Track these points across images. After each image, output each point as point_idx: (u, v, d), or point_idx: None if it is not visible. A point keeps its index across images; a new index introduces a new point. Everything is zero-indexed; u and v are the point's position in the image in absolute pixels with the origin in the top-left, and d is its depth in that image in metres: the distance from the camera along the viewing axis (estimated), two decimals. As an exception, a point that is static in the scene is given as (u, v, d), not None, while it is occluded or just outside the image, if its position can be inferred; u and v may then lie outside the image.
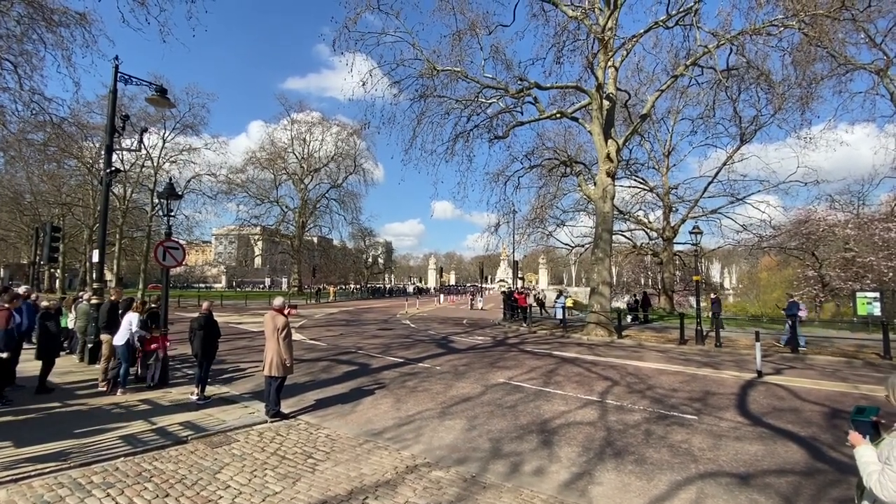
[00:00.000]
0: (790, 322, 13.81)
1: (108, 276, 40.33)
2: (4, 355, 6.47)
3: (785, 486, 4.59)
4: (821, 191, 28.26)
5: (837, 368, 11.27)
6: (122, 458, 4.88)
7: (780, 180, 28.04)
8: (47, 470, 4.51)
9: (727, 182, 29.35)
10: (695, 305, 19.65)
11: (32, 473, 4.42)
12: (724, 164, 28.45)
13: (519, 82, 18.11)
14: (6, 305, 6.83)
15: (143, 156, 36.73)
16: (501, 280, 79.62)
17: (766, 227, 29.13)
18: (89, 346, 9.93)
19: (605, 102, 17.58)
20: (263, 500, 4.03)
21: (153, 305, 9.01)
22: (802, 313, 14.61)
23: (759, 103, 20.00)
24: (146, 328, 8.20)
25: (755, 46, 16.06)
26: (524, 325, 20.56)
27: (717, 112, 22.64)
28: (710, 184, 29.75)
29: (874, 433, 2.11)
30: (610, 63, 17.58)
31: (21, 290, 7.81)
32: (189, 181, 40.18)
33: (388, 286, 78.00)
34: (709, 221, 30.98)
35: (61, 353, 9.90)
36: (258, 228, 57.70)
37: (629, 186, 33.27)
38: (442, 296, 48.97)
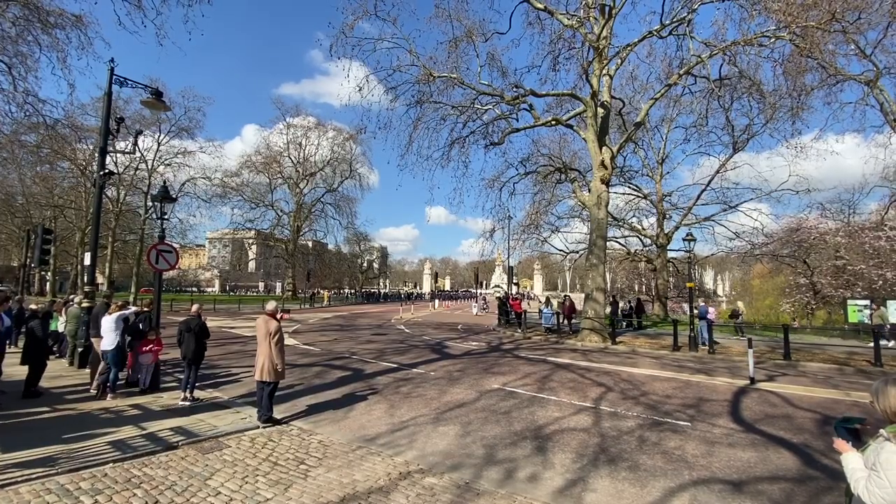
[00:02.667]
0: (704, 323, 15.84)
1: (100, 279, 39.95)
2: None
3: (777, 493, 4.60)
4: (812, 199, 28.73)
5: (829, 375, 11.35)
6: (111, 464, 4.80)
7: (771, 188, 28.44)
8: (34, 476, 4.43)
9: (720, 190, 29.76)
10: (688, 312, 19.78)
11: (19, 479, 4.35)
12: (717, 172, 28.79)
13: (514, 89, 18.27)
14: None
15: (138, 158, 36.55)
16: (497, 286, 79.55)
17: (758, 234, 29.46)
18: (79, 349, 9.81)
19: (600, 110, 17.73)
20: (255, 507, 3.98)
21: (146, 309, 8.92)
22: (711, 316, 16.21)
23: (751, 112, 20.29)
24: (139, 332, 8.11)
25: (747, 57, 16.31)
26: (519, 330, 20.55)
27: (709, 121, 22.93)
28: (703, 191, 30.07)
29: (856, 440, 2.14)
30: (605, 71, 17.75)
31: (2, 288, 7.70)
32: (183, 184, 39.96)
33: (383, 291, 77.80)
34: (702, 229, 31.30)
35: (51, 357, 9.77)
36: (252, 232, 57.37)
37: (623, 193, 33.55)
38: (437, 301, 48.82)
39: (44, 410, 6.79)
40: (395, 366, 11.46)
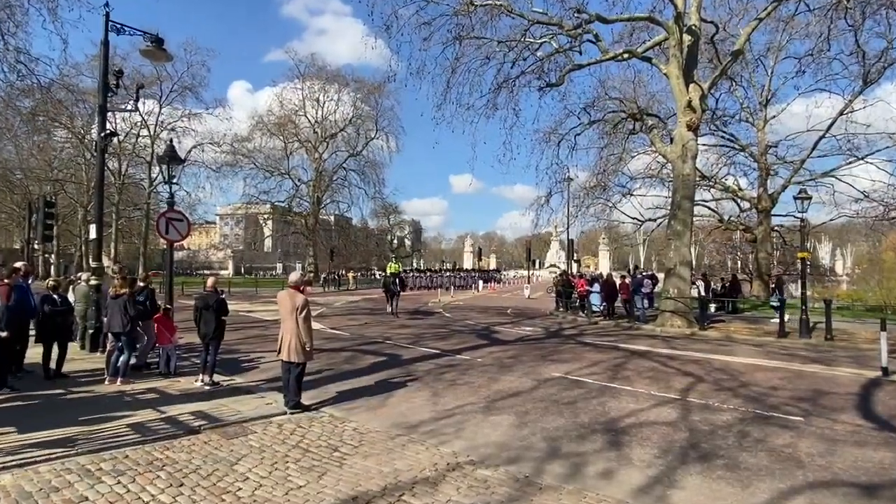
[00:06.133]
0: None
1: (106, 262, 42.85)
2: (4, 334, 7.00)
3: (923, 500, 4.36)
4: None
5: None
6: (131, 447, 5.22)
7: (918, 131, 25.92)
8: (54, 456, 4.88)
9: (844, 136, 27.42)
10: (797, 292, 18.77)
11: (39, 459, 4.80)
12: (842, 112, 26.53)
13: (576, 15, 17.44)
14: (6, 281, 7.38)
15: (139, 123, 38.40)
16: (552, 265, 78.73)
17: (894, 192, 27.20)
18: (90, 331, 10.56)
19: (686, 37, 16.77)
20: (287, 494, 4.21)
21: (140, 284, 9.42)
22: (646, 289, 17.70)
23: (889, 32, 18.52)
24: (146, 311, 8.66)
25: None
26: (582, 314, 20.32)
27: (832, 46, 21.14)
28: (821, 139, 27.90)
29: None
30: (693, -14, 16.71)
31: (18, 264, 8.40)
32: (189, 151, 41.60)
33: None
34: (818, 187, 29.09)
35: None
36: (268, 206, 59.13)
37: (714, 145, 31.84)
38: (481, 282, 48.60)
39: (58, 393, 7.44)
40: (436, 352, 11.68)
